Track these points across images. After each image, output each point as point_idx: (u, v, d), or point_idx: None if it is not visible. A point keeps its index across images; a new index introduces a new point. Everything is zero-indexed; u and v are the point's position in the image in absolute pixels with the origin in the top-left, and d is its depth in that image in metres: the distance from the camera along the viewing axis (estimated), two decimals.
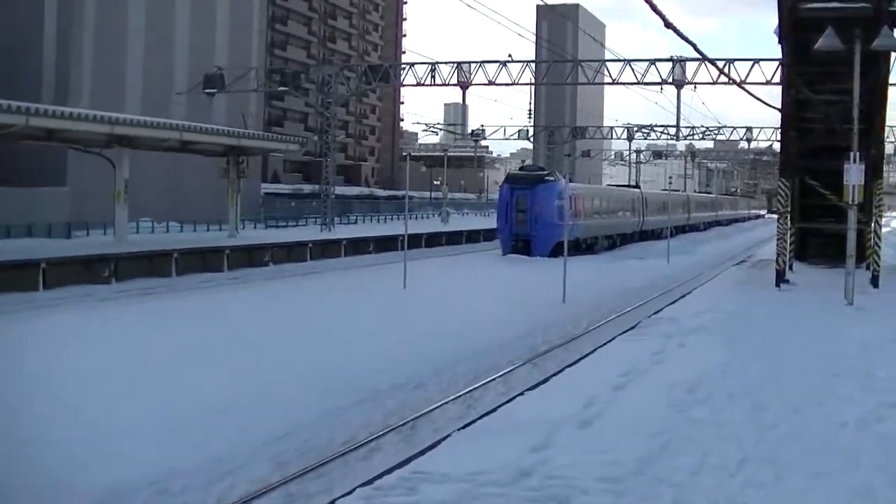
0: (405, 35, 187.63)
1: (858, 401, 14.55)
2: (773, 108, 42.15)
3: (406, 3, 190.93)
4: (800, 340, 20.56)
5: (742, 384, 15.83)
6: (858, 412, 13.79)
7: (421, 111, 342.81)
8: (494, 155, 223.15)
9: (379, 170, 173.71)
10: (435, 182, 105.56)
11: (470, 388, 18.52)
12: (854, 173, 27.96)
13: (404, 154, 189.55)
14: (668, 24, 19.90)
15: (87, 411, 15.08)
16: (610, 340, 22.11)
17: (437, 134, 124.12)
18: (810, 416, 13.66)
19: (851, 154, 28.02)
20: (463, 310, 28.72)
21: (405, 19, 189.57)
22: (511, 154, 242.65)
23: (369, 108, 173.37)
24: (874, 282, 33.07)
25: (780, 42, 36.10)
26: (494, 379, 19.49)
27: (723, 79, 61.19)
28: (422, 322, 25.80)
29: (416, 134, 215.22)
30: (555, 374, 18.32)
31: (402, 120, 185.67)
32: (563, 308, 31.00)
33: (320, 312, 28.15)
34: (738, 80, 55.71)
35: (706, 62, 60.87)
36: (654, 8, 17.19)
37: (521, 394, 16.50)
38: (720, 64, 60.09)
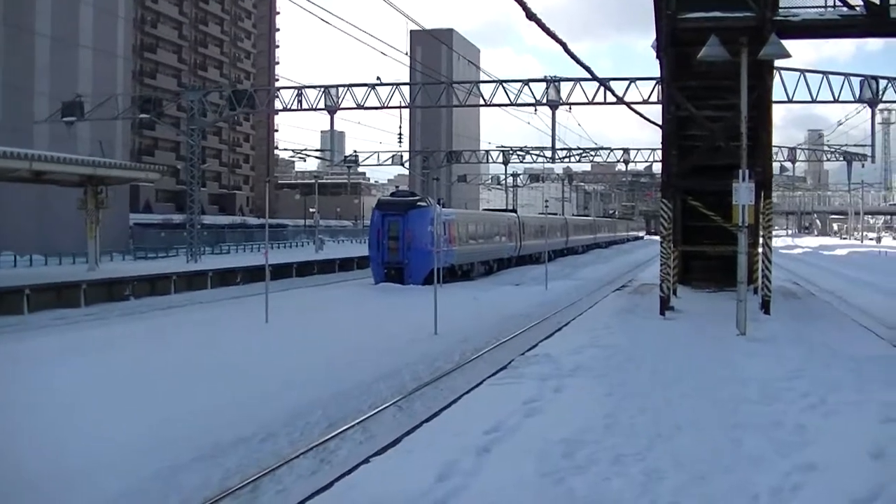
0: (278, 62, 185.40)
1: (769, 462, 12.10)
2: (655, 124, 40.43)
3: (279, 30, 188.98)
4: (693, 381, 17.96)
5: (630, 442, 13.19)
6: (771, 479, 11.36)
7: (297, 139, 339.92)
8: (372, 182, 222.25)
9: (253, 198, 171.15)
10: (311, 210, 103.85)
11: (325, 439, 16.51)
12: (743, 193, 25.92)
13: (279, 182, 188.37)
14: (530, 16, 17.63)
15: None
16: (478, 385, 19.48)
17: (305, 160, 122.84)
18: (716, 487, 11.15)
19: (740, 172, 26.04)
20: (327, 346, 26.77)
21: (277, 46, 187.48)
22: (389, 181, 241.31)
23: (242, 137, 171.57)
24: (765, 308, 31.07)
25: (658, 57, 34.35)
26: (353, 426, 17.47)
27: (598, 98, 60.05)
28: (280, 362, 23.86)
29: (294, 162, 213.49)
30: (409, 432, 15.65)
31: (277, 148, 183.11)
32: (435, 341, 29.20)
33: (166, 353, 25.65)
34: (616, 97, 54.19)
35: (580, 82, 59.71)
36: None
37: (367, 461, 13.91)
38: (596, 84, 58.94)
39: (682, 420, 14.67)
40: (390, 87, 64.67)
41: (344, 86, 64.27)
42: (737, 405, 15.80)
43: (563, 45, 22.77)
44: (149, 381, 20.87)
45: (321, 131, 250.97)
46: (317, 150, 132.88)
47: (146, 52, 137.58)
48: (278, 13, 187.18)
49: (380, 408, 19.22)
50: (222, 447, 15.77)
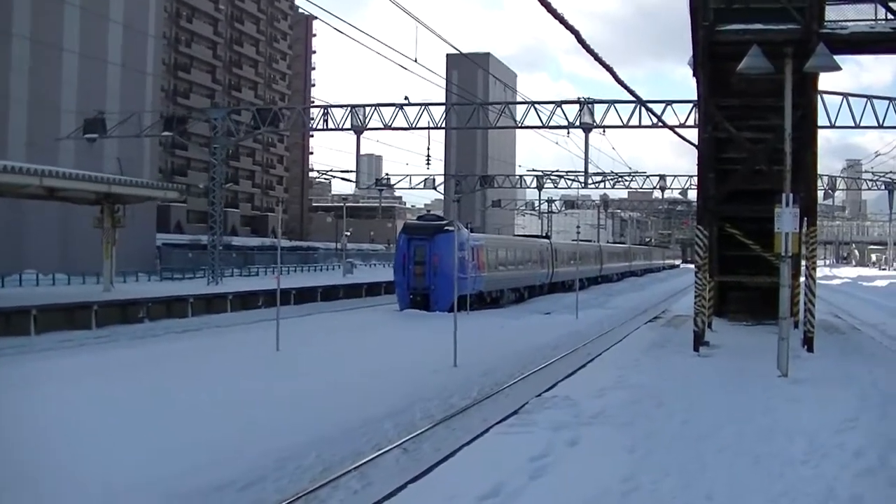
0: (314, 84, 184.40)
1: None
2: (692, 143, 38.35)
3: (315, 52, 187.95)
4: (729, 434, 15.67)
5: None
6: None
7: (333, 161, 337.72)
8: (408, 206, 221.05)
9: (287, 221, 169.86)
10: (346, 233, 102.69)
11: (314, 487, 14.53)
12: (787, 219, 23.63)
13: (312, 205, 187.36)
14: (549, 9, 15.58)
15: None
16: (483, 433, 17.43)
17: (329, 182, 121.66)
18: None
19: (783, 196, 23.76)
20: (337, 377, 25.10)
21: (313, 68, 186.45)
22: (425, 205, 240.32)
23: (276, 158, 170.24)
24: (807, 344, 28.60)
25: (694, 74, 32.14)
26: (349, 472, 15.50)
27: (633, 121, 58.10)
28: (282, 395, 22.03)
29: (330, 184, 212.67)
30: (395, 493, 13.65)
31: (312, 170, 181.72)
32: (453, 374, 27.16)
33: (163, 381, 24.05)
34: (654, 114, 52.15)
35: (614, 105, 57.92)
36: None
37: None
38: (631, 107, 57.16)
39: (715, 487, 12.42)
40: (419, 107, 62.55)
41: (371, 105, 62.29)
42: (781, 467, 13.48)
43: (577, 34, 20.63)
44: (128, 413, 19.35)
45: (357, 154, 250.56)
46: (343, 172, 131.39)
47: (180, 72, 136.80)
48: (314, 35, 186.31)
49: (383, 450, 17.35)
50: (199, 493, 14.05)
